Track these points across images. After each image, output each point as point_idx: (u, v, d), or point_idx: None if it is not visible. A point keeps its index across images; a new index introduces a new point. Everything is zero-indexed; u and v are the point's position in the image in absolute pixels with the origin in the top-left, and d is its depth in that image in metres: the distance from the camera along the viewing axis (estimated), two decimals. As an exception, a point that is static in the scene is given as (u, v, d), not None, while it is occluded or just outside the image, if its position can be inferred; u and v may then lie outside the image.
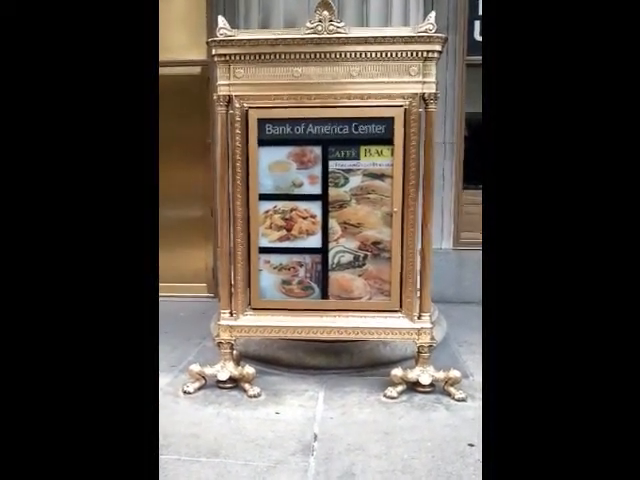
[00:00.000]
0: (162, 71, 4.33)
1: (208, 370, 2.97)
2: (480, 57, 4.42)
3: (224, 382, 2.95)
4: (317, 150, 2.86)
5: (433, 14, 2.72)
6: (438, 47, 2.72)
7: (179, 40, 4.66)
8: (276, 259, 2.96)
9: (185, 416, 2.68)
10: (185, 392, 2.92)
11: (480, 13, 4.48)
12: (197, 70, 4.66)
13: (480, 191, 4.81)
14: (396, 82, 2.74)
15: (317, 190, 2.89)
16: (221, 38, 2.75)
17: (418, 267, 2.93)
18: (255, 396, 2.87)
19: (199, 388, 2.97)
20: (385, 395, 2.87)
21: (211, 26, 4.15)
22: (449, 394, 2.87)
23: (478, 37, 4.50)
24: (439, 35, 2.71)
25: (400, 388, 2.89)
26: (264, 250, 2.96)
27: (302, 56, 2.74)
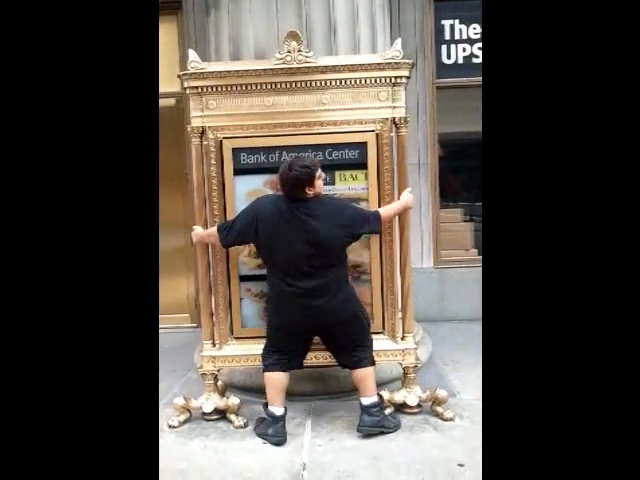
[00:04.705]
0: (137, 105, 4.44)
1: (193, 402, 2.93)
2: (449, 79, 4.59)
3: (209, 414, 2.91)
4: (293, 177, 2.88)
5: (399, 41, 2.80)
6: (406, 73, 2.79)
7: (153, 73, 4.70)
8: (257, 287, 2.95)
9: (171, 451, 2.63)
10: (170, 426, 2.87)
11: (447, 37, 4.62)
12: (172, 102, 4.70)
13: (457, 209, 4.90)
14: (366, 108, 2.80)
15: (295, 216, 2.90)
16: (192, 71, 2.79)
17: (399, 288, 2.95)
18: (242, 427, 2.83)
19: (184, 421, 2.92)
20: (373, 418, 2.85)
21: (184, 59, 4.20)
22: (437, 414, 2.87)
23: (446, 60, 4.63)
24: (406, 61, 2.78)
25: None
26: (244, 278, 2.95)
27: (273, 86, 2.78)
